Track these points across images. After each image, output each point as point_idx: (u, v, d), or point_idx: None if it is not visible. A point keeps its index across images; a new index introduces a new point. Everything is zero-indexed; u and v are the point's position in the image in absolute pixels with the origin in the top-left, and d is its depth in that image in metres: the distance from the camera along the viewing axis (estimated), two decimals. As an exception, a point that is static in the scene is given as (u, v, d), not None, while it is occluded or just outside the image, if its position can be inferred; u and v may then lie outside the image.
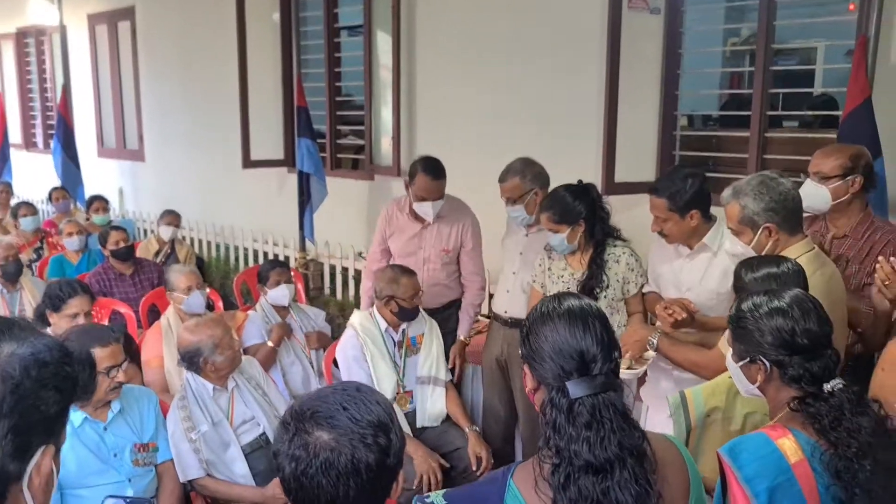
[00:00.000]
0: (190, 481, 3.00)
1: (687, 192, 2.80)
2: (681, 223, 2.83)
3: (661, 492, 1.44)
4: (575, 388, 1.46)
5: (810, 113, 4.32)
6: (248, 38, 6.09)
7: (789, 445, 1.57)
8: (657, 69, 4.36)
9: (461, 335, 3.96)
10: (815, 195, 2.85)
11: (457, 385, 4.00)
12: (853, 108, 3.20)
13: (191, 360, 3.09)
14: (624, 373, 2.74)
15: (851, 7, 4.17)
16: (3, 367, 0.99)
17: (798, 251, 2.40)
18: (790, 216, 2.43)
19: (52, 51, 9.30)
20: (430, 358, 3.69)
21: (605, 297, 3.21)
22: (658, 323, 3.14)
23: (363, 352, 3.53)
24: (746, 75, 4.34)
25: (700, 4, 4.46)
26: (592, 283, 3.20)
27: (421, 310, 3.74)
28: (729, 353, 1.83)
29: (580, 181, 3.27)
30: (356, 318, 3.66)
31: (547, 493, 1.44)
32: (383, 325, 3.61)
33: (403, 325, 3.64)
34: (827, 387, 1.63)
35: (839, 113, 4.06)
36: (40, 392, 1.01)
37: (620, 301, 3.26)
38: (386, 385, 3.51)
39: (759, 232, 2.44)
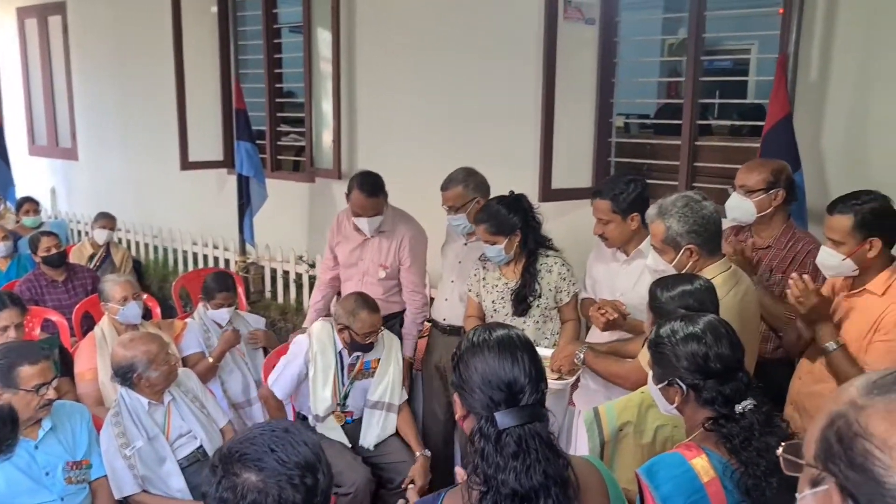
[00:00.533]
0: (125, 498, 2.97)
1: (630, 194, 2.92)
2: (622, 225, 2.95)
3: None
4: (503, 419, 1.50)
5: (738, 123, 4.44)
6: (184, 35, 6.00)
7: (702, 465, 1.65)
8: (593, 78, 4.44)
9: (406, 354, 3.78)
10: (740, 208, 2.97)
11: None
12: (774, 122, 3.31)
13: (124, 375, 3.06)
14: (554, 383, 2.82)
15: (781, 11, 4.32)
16: None
17: (715, 271, 2.48)
18: (711, 238, 2.51)
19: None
20: (385, 383, 3.55)
21: (537, 305, 3.29)
22: (589, 332, 3.25)
23: (307, 364, 3.47)
24: (676, 84, 4.44)
25: (637, 13, 4.54)
26: (525, 291, 3.27)
27: (382, 331, 3.59)
28: (650, 374, 1.91)
29: (512, 192, 3.33)
30: (317, 326, 3.58)
31: None
32: (339, 344, 3.49)
33: (360, 354, 3.53)
34: (738, 408, 1.71)
35: (761, 123, 4.25)
36: None
37: (553, 310, 3.33)
38: (320, 404, 3.45)
39: (680, 252, 2.50)
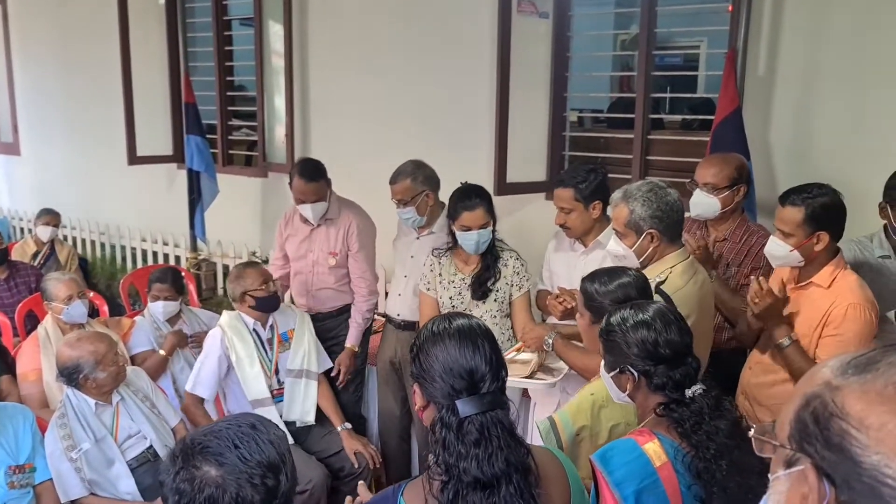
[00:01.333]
0: (72, 502, 2.89)
1: (592, 182, 2.94)
2: (584, 214, 2.97)
3: None
4: (464, 407, 1.50)
5: (689, 117, 4.50)
6: (131, 26, 5.86)
7: (654, 449, 1.67)
8: (546, 72, 4.45)
9: (349, 343, 3.86)
10: (704, 204, 3.00)
11: (358, 385, 4.02)
12: (724, 116, 3.36)
13: (70, 375, 2.98)
14: (537, 383, 2.84)
15: (730, 8, 4.39)
16: None
17: (675, 259, 2.51)
18: (672, 226, 2.52)
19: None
20: (301, 350, 3.64)
21: (495, 299, 3.30)
22: (549, 319, 3.26)
23: (226, 353, 3.48)
24: (636, 78, 4.48)
25: (590, 8, 4.57)
26: (486, 275, 3.27)
27: (292, 305, 3.78)
28: (602, 363, 1.92)
29: (464, 182, 3.34)
30: (224, 317, 3.59)
31: None
32: (250, 322, 3.56)
33: (271, 321, 3.60)
34: (688, 392, 1.73)
35: (711, 117, 4.32)
36: None
37: (508, 304, 3.35)
38: (254, 386, 3.47)
39: (642, 237, 2.51)
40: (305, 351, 3.63)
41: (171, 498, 1.33)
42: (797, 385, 0.92)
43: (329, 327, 3.88)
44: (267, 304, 3.53)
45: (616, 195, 2.62)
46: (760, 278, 2.50)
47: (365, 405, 4.15)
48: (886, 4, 3.36)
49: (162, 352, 3.84)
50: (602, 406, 2.09)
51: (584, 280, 2.26)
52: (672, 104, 5.59)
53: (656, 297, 2.31)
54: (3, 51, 7.91)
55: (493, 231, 3.27)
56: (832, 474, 0.80)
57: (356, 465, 3.48)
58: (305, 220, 3.82)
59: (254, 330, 3.57)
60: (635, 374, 1.78)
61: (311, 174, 3.65)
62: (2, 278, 4.84)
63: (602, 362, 1.92)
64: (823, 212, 2.44)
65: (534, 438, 3.14)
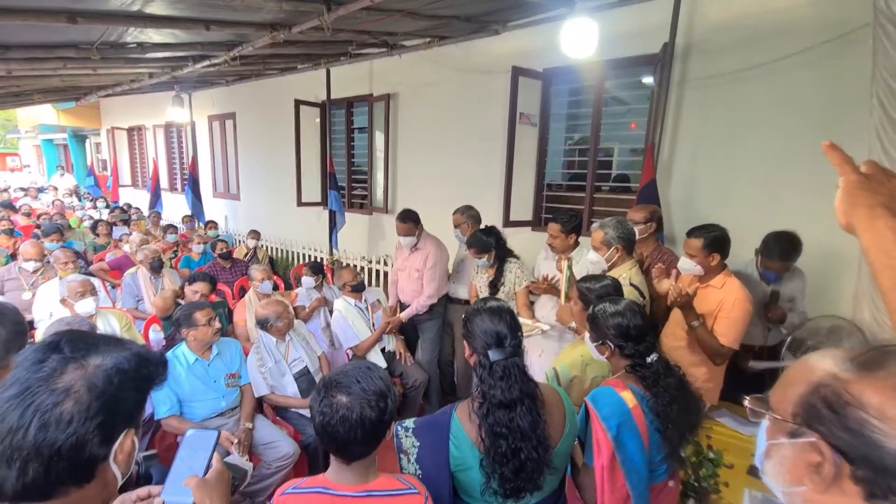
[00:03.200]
0: (261, 396, 2.72)
1: (570, 222, 2.67)
2: (565, 240, 2.70)
3: (546, 420, 1.29)
4: (494, 355, 1.30)
5: (615, 185, 4.23)
6: (301, 131, 5.75)
7: (628, 396, 1.40)
8: (533, 156, 4.20)
9: (403, 315, 3.36)
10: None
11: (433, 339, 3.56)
12: (645, 183, 3.07)
13: (262, 324, 2.81)
14: (529, 330, 2.57)
15: (633, 125, 4.10)
16: (91, 379, 0.73)
17: (631, 265, 2.30)
18: (630, 244, 2.33)
19: (187, 134, 8.62)
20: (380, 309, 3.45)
21: (503, 292, 3.02)
22: (535, 304, 2.99)
23: (345, 321, 3.30)
24: (577, 161, 4.22)
25: (557, 123, 4.32)
26: (496, 281, 3.02)
27: (373, 287, 3.53)
28: (587, 334, 1.65)
29: (486, 226, 3.12)
30: (337, 304, 3.39)
31: (476, 420, 1.29)
32: (352, 301, 3.37)
33: (365, 296, 3.40)
34: (648, 359, 1.47)
35: (630, 184, 4.01)
36: (120, 394, 0.75)
37: (511, 294, 3.07)
38: (363, 333, 3.27)
39: (611, 249, 2.30)
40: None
41: (317, 417, 1.13)
42: (793, 372, 0.65)
43: (423, 316, 3.39)
44: (357, 288, 3.37)
45: (595, 224, 2.40)
46: (673, 272, 2.22)
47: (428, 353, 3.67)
48: (739, 110, 3.05)
49: (307, 309, 3.63)
50: (587, 363, 1.80)
51: (578, 281, 1.99)
52: (600, 178, 5.29)
53: (631, 288, 2.07)
54: (233, 141, 7.85)
55: (506, 254, 3.05)
56: (847, 451, 0.58)
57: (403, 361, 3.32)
58: (406, 249, 3.40)
59: (355, 305, 3.37)
60: (612, 345, 1.52)
61: (402, 218, 3.27)
62: (227, 267, 4.67)
63: (588, 335, 1.64)
64: (715, 241, 2.17)
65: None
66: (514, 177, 3.99)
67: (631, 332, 1.51)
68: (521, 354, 1.36)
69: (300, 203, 5.93)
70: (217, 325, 2.52)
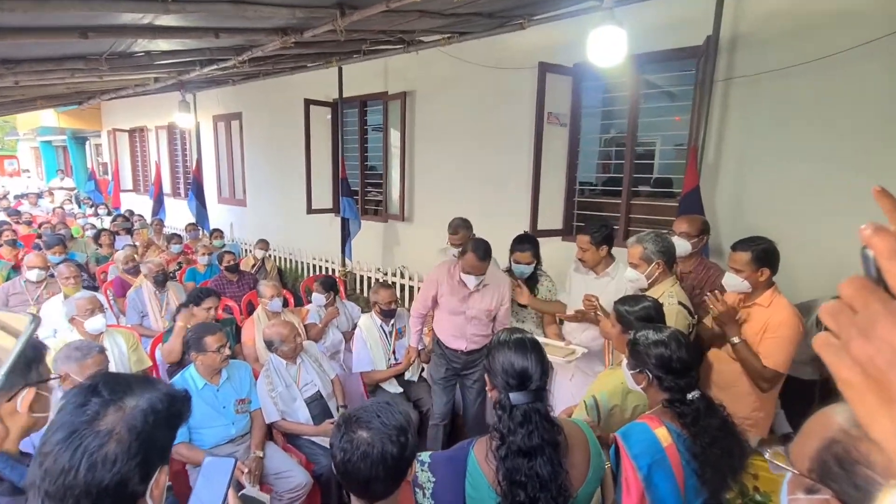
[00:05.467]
0: (271, 423, 2.83)
1: (601, 233, 2.69)
2: (595, 253, 2.72)
3: (568, 468, 1.33)
4: (516, 398, 1.33)
5: (657, 190, 4.19)
6: (311, 131, 5.88)
7: (663, 434, 1.43)
8: (563, 159, 4.23)
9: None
10: (681, 246, 2.71)
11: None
12: (688, 190, 3.07)
13: (268, 345, 2.94)
14: (559, 360, 2.60)
15: (677, 119, 4.08)
16: (129, 420, 0.83)
17: (672, 281, 2.31)
18: (670, 258, 2.35)
19: (191, 137, 8.92)
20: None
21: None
22: (563, 325, 3.00)
23: (364, 342, 3.38)
24: (613, 163, 4.23)
25: (588, 121, 4.34)
26: (529, 291, 3.03)
27: (401, 308, 3.53)
28: (624, 360, 1.68)
29: (525, 231, 3.22)
30: (362, 321, 3.48)
31: (493, 462, 1.34)
32: (378, 322, 3.44)
33: (392, 321, 3.45)
34: (689, 396, 1.48)
35: (674, 190, 3.99)
36: (156, 433, 0.85)
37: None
38: (378, 360, 3.33)
39: (651, 265, 2.31)
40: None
41: (338, 454, 1.19)
42: (811, 425, 0.71)
43: (474, 358, 3.04)
44: (387, 315, 3.44)
45: (632, 240, 2.42)
46: (716, 292, 2.23)
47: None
48: (791, 108, 3.03)
49: (319, 325, 3.76)
50: (628, 391, 1.83)
51: (616, 303, 2.00)
52: (639, 181, 5.27)
53: (679, 307, 2.10)
54: (238, 146, 8.10)
55: (536, 267, 3.05)
56: None
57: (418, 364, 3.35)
58: (463, 284, 2.89)
59: (381, 327, 3.44)
60: (650, 375, 1.54)
61: (483, 255, 2.76)
62: (234, 280, 4.84)
63: (625, 361, 1.66)
64: (764, 255, 2.18)
65: (553, 398, 2.89)
66: (541, 180, 4.03)
67: (673, 364, 1.50)
68: (546, 398, 1.39)
69: (310, 210, 6.09)
70: (226, 351, 2.63)
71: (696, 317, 2.29)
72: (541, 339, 2.88)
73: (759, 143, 3.19)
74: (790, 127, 3.06)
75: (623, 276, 2.47)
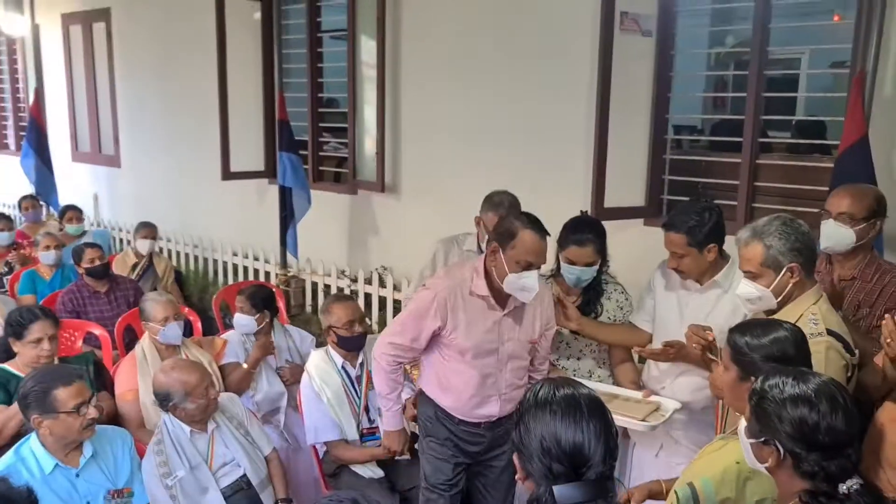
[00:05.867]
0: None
1: (705, 225, 2.69)
2: (699, 258, 2.73)
3: None
4: (562, 493, 1.38)
5: (801, 141, 4.23)
6: (228, 44, 5.95)
7: None
8: (648, 92, 4.28)
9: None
10: (837, 236, 2.73)
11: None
12: (850, 144, 3.12)
13: (162, 401, 3.01)
14: (637, 424, 2.65)
15: (836, 18, 4.11)
16: None
17: (816, 295, 2.36)
18: (811, 258, 2.38)
19: (25, 51, 8.97)
20: None
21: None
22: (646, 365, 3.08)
23: (319, 396, 3.40)
24: (729, 95, 4.27)
25: (691, 26, 4.38)
26: (586, 312, 3.08)
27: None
28: (742, 424, 1.72)
29: (582, 211, 3.28)
30: (312, 360, 3.54)
31: None
32: (339, 360, 3.49)
33: (361, 358, 3.52)
34: (843, 487, 1.51)
35: (829, 142, 4.05)
36: None
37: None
38: (348, 428, 3.39)
39: (781, 273, 2.34)
40: None
41: None
42: None
43: (505, 430, 2.83)
44: (349, 344, 3.48)
45: (743, 234, 2.43)
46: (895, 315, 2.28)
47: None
48: None
49: (244, 365, 3.82)
50: (748, 478, 1.87)
51: (731, 331, 2.04)
52: (769, 125, 5.30)
53: (826, 340, 2.16)
54: (105, 67, 8.20)
55: (602, 269, 3.09)
56: None
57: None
58: (492, 303, 2.74)
59: (342, 368, 3.49)
60: (782, 451, 1.57)
61: (544, 229, 2.64)
62: (102, 292, 4.90)
63: (743, 425, 1.70)
64: None
65: (631, 480, 2.96)
66: (610, 126, 4.06)
67: (821, 436, 1.50)
68: (613, 490, 1.42)
69: (228, 174, 6.15)
70: (93, 412, 2.68)
71: (856, 353, 2.33)
72: (604, 389, 3.00)
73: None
74: None
75: (739, 292, 2.50)
